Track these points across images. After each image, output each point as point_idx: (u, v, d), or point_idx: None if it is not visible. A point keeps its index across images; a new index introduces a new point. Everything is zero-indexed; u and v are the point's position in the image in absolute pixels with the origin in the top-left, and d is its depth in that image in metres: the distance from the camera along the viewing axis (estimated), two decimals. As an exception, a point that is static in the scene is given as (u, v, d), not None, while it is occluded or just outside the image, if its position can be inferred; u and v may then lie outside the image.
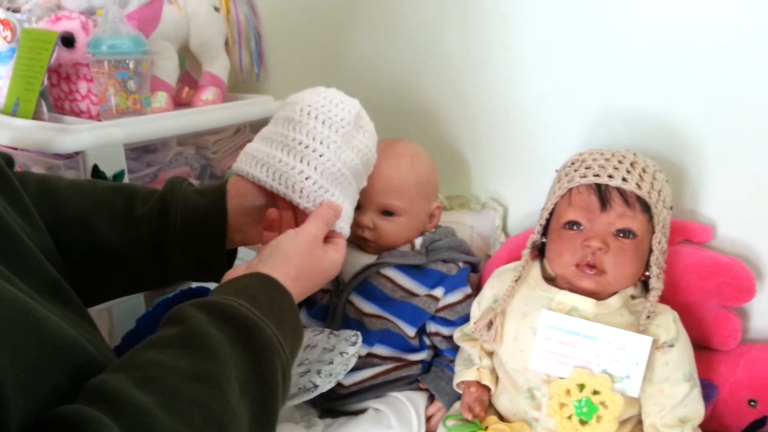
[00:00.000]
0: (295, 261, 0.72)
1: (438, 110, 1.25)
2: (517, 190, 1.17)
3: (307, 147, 0.82)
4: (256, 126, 1.42)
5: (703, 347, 0.97)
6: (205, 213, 0.81)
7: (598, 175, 0.85)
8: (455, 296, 1.02)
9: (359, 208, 1.01)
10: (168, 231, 0.79)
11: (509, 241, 1.11)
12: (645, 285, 0.90)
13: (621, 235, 0.85)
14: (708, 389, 0.93)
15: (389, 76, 1.30)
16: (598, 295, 0.87)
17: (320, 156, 0.82)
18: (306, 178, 0.81)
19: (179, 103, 1.40)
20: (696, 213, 1.01)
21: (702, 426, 0.93)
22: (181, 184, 0.84)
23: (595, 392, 0.82)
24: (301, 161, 0.82)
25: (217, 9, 1.36)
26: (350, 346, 0.93)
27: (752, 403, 0.92)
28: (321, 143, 0.83)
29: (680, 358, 0.85)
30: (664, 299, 0.92)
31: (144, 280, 0.82)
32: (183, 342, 0.56)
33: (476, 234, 1.18)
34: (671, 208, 0.89)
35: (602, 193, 0.85)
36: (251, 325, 0.60)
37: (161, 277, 0.82)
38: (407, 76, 1.27)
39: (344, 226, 0.84)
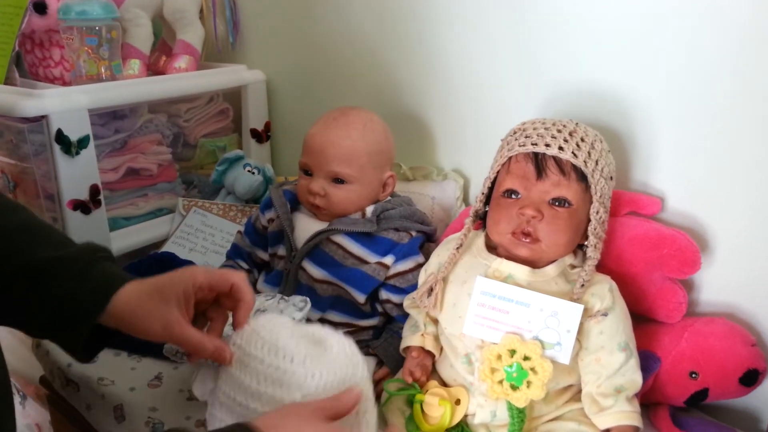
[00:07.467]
0: None
1: (405, 83, 1.26)
2: (479, 162, 1.17)
3: None
4: (228, 95, 1.44)
5: (649, 319, 0.97)
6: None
7: (535, 144, 0.85)
8: (406, 264, 1.02)
9: (311, 175, 1.03)
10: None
11: (466, 210, 1.12)
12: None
13: (556, 203, 0.85)
14: (650, 360, 0.93)
15: (360, 48, 1.30)
16: (534, 263, 0.87)
17: None
18: None
19: (156, 71, 1.42)
20: (647, 185, 1.01)
21: (644, 397, 0.94)
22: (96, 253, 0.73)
23: (526, 358, 0.82)
24: None
25: (191, -23, 1.37)
26: (297, 312, 0.95)
27: (693, 375, 0.92)
28: None
29: (615, 327, 0.85)
30: (607, 270, 0.92)
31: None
32: None
33: (437, 204, 1.19)
34: (611, 178, 0.89)
35: (538, 162, 0.85)
36: None
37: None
38: (376, 48, 1.28)
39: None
